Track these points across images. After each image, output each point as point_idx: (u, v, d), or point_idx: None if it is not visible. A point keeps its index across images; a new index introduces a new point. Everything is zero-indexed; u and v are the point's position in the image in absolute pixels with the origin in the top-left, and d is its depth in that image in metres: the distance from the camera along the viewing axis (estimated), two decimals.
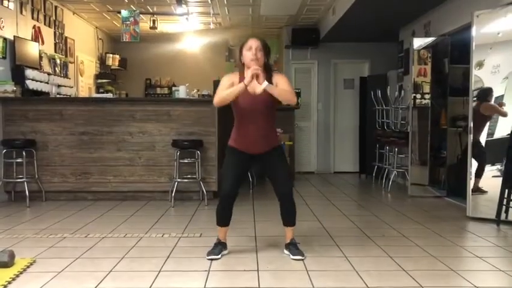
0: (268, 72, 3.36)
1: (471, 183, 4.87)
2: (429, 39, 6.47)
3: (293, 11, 8.17)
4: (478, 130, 4.91)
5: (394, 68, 8.09)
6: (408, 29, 7.45)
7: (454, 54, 6.25)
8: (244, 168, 3.50)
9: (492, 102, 4.82)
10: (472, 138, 4.90)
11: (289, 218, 3.50)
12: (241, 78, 3.32)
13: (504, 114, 4.71)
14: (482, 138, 4.94)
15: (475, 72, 4.83)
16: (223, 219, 3.47)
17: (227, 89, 3.29)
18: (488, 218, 4.62)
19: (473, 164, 4.90)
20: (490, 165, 4.92)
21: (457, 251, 3.75)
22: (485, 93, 4.85)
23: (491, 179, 4.81)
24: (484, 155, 4.94)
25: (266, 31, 9.86)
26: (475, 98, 4.88)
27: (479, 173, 4.89)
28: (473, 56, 4.82)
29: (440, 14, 6.35)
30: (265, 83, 3.21)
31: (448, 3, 6.06)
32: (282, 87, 3.32)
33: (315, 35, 9.07)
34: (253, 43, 3.30)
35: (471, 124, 4.89)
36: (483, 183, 4.87)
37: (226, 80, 3.38)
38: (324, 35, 8.72)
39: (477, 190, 4.87)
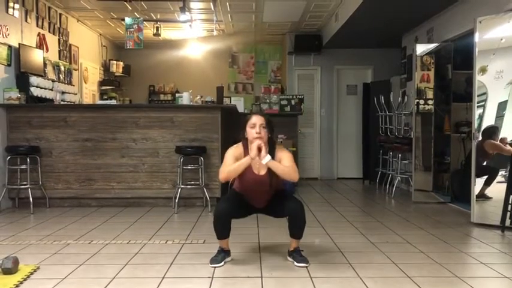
0: (271, 147, 3.39)
1: (475, 189, 4.85)
2: (432, 45, 6.47)
3: (296, 18, 8.19)
4: (482, 161, 4.93)
5: (397, 74, 8.09)
6: (411, 35, 7.46)
7: (457, 60, 6.26)
8: (247, 211, 3.53)
9: (498, 141, 4.81)
10: (475, 144, 4.89)
11: (297, 231, 3.42)
12: (246, 153, 3.35)
13: (508, 153, 4.68)
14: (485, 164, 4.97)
15: (478, 77, 4.83)
16: (222, 234, 3.42)
17: (233, 163, 3.32)
18: (493, 224, 4.60)
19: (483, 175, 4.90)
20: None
21: (461, 257, 3.73)
22: (490, 132, 4.84)
23: (495, 185, 4.80)
24: (496, 169, 4.90)
25: (269, 37, 9.91)
26: (480, 136, 4.87)
27: (488, 182, 4.87)
28: (477, 62, 4.82)
29: (443, 20, 6.36)
30: (268, 157, 3.25)
31: (450, 9, 6.08)
32: (284, 163, 3.33)
33: (318, 41, 9.10)
34: (257, 120, 3.34)
35: (475, 129, 4.88)
36: (488, 189, 4.85)
37: (231, 154, 3.39)
38: (326, 41, 8.74)
39: (482, 196, 4.85)
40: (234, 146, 3.48)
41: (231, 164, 3.33)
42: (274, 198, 3.45)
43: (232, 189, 3.52)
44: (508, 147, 4.69)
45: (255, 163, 3.34)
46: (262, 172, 3.37)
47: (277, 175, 3.31)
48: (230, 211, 3.36)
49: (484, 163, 4.96)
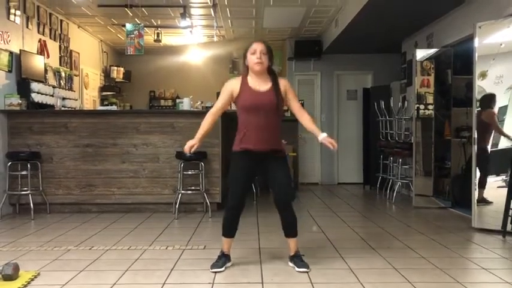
0: (272, 75, 3.41)
1: (476, 194, 4.85)
2: (432, 51, 6.49)
3: (296, 24, 8.22)
4: (482, 138, 4.89)
5: (397, 79, 8.10)
6: (411, 40, 7.48)
7: (457, 65, 6.28)
8: (250, 175, 3.46)
9: (495, 109, 4.80)
10: (476, 148, 4.88)
11: (290, 228, 3.46)
12: (244, 82, 3.37)
13: (496, 127, 4.69)
14: (487, 148, 4.93)
15: (478, 82, 4.83)
16: (230, 230, 3.45)
17: (225, 101, 3.40)
18: (494, 229, 4.59)
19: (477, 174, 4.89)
20: (495, 175, 4.90)
21: (462, 262, 3.73)
22: (488, 100, 4.84)
23: (496, 189, 4.79)
24: (487, 165, 4.91)
25: (269, 43, 9.90)
26: (478, 107, 4.87)
27: (481, 183, 4.86)
28: (476, 67, 4.83)
29: (442, 25, 6.38)
30: (324, 134, 3.37)
31: (450, 14, 6.10)
32: (292, 103, 3.44)
33: (318, 46, 9.12)
34: (257, 46, 3.35)
35: (475, 135, 4.88)
36: (488, 194, 4.84)
37: (227, 88, 3.41)
38: (326, 46, 8.76)
39: (482, 201, 4.85)
40: (235, 78, 3.48)
41: (222, 101, 3.39)
42: (274, 160, 3.37)
43: (232, 153, 3.43)
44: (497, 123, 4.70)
45: (255, 81, 3.34)
46: (264, 88, 3.34)
47: (280, 99, 3.34)
48: (241, 199, 3.36)
49: (490, 137, 4.88)
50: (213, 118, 3.45)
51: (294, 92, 3.49)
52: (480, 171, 4.87)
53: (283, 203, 3.42)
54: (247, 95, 3.33)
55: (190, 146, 3.41)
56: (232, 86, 3.40)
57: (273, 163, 3.39)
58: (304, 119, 3.43)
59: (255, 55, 3.32)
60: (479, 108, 4.87)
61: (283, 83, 3.43)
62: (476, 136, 4.87)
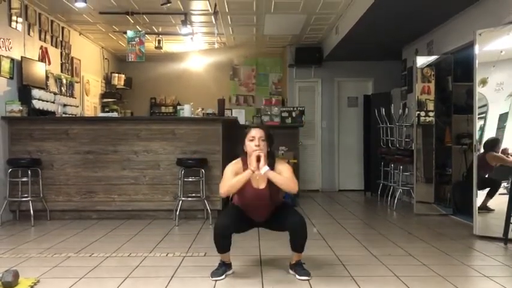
0: (271, 160, 3.38)
1: (477, 201, 4.83)
2: (432, 58, 6.51)
3: (296, 31, 8.25)
4: (484, 173, 4.93)
5: (397, 86, 8.12)
6: (411, 47, 7.49)
7: (458, 72, 6.29)
8: (247, 226, 3.50)
9: (499, 153, 4.80)
10: (477, 154, 4.88)
11: (299, 246, 3.38)
12: (245, 167, 3.34)
13: (511, 163, 4.68)
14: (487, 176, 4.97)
15: (478, 89, 4.84)
16: (223, 248, 3.37)
17: (233, 178, 3.32)
18: (495, 237, 4.57)
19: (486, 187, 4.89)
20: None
21: (464, 270, 3.71)
22: (492, 144, 4.84)
23: (498, 197, 4.78)
24: (498, 182, 4.89)
25: (270, 50, 9.96)
26: (482, 148, 4.87)
27: (491, 194, 4.85)
28: (477, 74, 4.84)
29: (443, 32, 6.40)
30: (266, 167, 3.24)
31: (450, 22, 6.12)
32: (284, 175, 3.33)
33: (319, 53, 9.15)
34: (256, 133, 3.34)
35: (476, 141, 4.88)
36: (490, 201, 4.83)
37: (231, 169, 3.39)
38: (327, 53, 8.79)
39: (483, 208, 4.83)
40: (233, 162, 3.46)
41: (231, 179, 3.32)
42: (275, 212, 3.44)
43: (232, 203, 3.50)
44: (511, 158, 4.68)
45: (255, 177, 3.33)
46: (262, 186, 3.36)
47: (277, 188, 3.31)
48: (230, 226, 3.32)
49: (486, 176, 4.95)
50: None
51: (288, 170, 3.39)
52: (491, 187, 4.86)
53: (296, 223, 3.33)
54: (246, 193, 3.35)
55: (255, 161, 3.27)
56: (236, 169, 3.38)
57: (275, 216, 3.44)
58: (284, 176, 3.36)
59: (254, 142, 3.31)
60: (483, 151, 4.86)
61: (279, 166, 3.39)
62: (476, 143, 4.87)
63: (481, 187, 4.86)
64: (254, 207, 3.41)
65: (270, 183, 3.31)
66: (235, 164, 3.43)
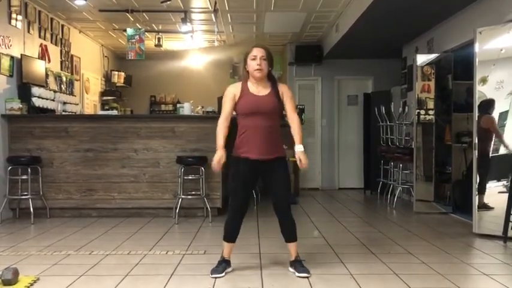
0: (271, 81, 3.43)
1: (477, 200, 4.84)
2: (432, 56, 6.50)
3: (297, 29, 8.24)
4: (482, 144, 4.88)
5: (397, 84, 8.11)
6: (411, 45, 7.49)
7: (458, 70, 6.28)
8: (250, 182, 3.45)
9: (496, 114, 4.80)
10: (477, 154, 4.87)
11: (289, 233, 3.46)
12: (244, 87, 3.38)
13: (497, 132, 4.69)
14: (488, 153, 4.92)
15: (478, 88, 4.83)
16: (232, 234, 3.43)
17: (229, 109, 3.39)
18: (495, 235, 4.57)
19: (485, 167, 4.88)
20: (496, 181, 4.89)
21: (463, 268, 3.71)
22: (487, 106, 4.84)
23: (497, 195, 4.78)
24: (487, 171, 4.90)
25: (270, 48, 9.91)
26: (478, 112, 4.86)
27: (481, 189, 4.85)
28: (477, 72, 4.83)
29: (443, 30, 6.39)
30: (300, 147, 3.33)
31: (450, 20, 6.11)
32: (288, 106, 3.42)
33: (319, 51, 9.14)
34: (257, 52, 3.37)
35: (476, 140, 4.87)
36: (489, 200, 4.83)
37: (231, 91, 3.41)
38: (327, 51, 8.78)
39: (483, 206, 4.83)
40: (234, 84, 3.50)
41: (228, 109, 3.38)
42: (274, 166, 3.36)
43: (232, 157, 3.41)
44: (497, 127, 4.69)
45: (253, 88, 3.37)
46: (263, 93, 3.36)
47: (279, 97, 3.37)
48: (244, 199, 3.38)
49: (490, 142, 4.87)
50: (226, 124, 3.41)
51: (291, 95, 3.49)
52: (480, 177, 4.86)
53: (282, 210, 3.42)
54: (247, 99, 3.35)
55: (218, 160, 3.32)
56: (233, 91, 3.42)
57: (272, 167, 3.38)
58: (293, 122, 3.41)
59: (255, 61, 3.34)
60: (478, 114, 4.86)
61: (281, 88, 3.46)
62: (476, 142, 4.86)
63: (483, 173, 4.84)
64: (254, 120, 3.32)
65: (272, 89, 3.37)
66: (235, 86, 3.44)
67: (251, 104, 3.34)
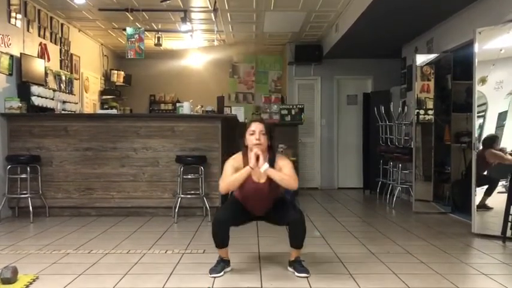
0: (271, 154, 3.41)
1: (476, 200, 4.84)
2: (432, 56, 6.51)
3: (296, 28, 8.24)
4: (483, 170, 4.92)
5: (397, 84, 8.11)
6: (411, 45, 7.49)
7: (457, 70, 6.29)
8: (245, 215, 3.50)
9: (497, 150, 4.80)
10: (476, 154, 4.88)
11: (299, 241, 3.41)
12: (245, 161, 3.37)
13: (509, 162, 4.67)
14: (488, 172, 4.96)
15: (478, 88, 4.84)
16: (221, 242, 3.40)
17: (232, 174, 3.34)
18: (494, 235, 4.58)
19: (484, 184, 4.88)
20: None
21: (462, 268, 3.72)
22: (491, 141, 4.83)
23: (496, 195, 4.78)
24: (496, 180, 4.89)
25: (269, 48, 9.96)
26: (480, 145, 4.85)
27: (489, 192, 4.85)
28: (476, 72, 4.84)
29: (442, 31, 6.39)
30: (266, 165, 3.28)
31: (450, 20, 6.11)
32: (284, 171, 3.35)
33: (318, 51, 9.14)
34: (256, 127, 3.36)
35: (475, 139, 4.88)
36: (488, 200, 4.83)
37: (230, 165, 3.41)
38: (327, 51, 8.78)
39: (482, 206, 4.84)
40: (233, 156, 3.48)
41: (231, 174, 3.33)
42: (275, 206, 3.45)
43: (233, 196, 3.52)
44: (509, 156, 4.69)
45: (255, 171, 3.34)
46: (262, 180, 3.37)
47: (277, 183, 3.33)
48: (229, 218, 3.36)
49: (485, 173, 4.95)
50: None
51: (290, 166, 3.41)
52: (488, 184, 4.85)
53: (295, 219, 3.35)
54: (247, 186, 3.36)
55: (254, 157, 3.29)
56: (236, 165, 3.40)
57: (274, 210, 3.46)
58: (286, 174, 3.36)
59: (254, 136, 3.34)
60: (482, 147, 4.85)
61: (280, 161, 3.42)
62: (474, 174, 4.85)
63: (480, 184, 4.86)
64: (254, 201, 3.42)
65: (270, 178, 3.33)
66: (235, 159, 3.44)
67: (250, 192, 3.38)
